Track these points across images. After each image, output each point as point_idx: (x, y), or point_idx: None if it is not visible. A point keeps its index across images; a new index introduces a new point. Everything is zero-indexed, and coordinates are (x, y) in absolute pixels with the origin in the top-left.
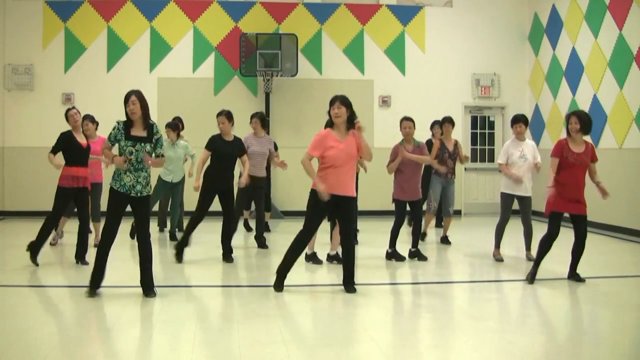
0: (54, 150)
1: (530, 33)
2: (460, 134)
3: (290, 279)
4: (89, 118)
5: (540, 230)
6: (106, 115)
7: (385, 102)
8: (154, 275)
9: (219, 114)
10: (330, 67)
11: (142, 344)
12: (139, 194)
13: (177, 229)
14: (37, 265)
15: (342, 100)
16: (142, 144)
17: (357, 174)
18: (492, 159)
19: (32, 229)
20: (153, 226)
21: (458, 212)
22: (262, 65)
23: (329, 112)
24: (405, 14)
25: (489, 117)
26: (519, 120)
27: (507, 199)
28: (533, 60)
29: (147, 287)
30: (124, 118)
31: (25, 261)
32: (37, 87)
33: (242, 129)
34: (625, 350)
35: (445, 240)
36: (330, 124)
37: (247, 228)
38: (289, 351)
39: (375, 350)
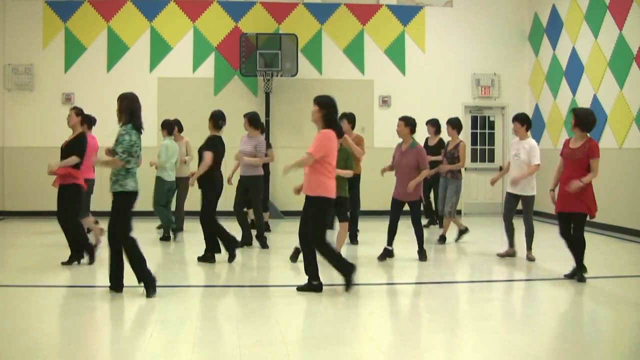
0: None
1: (530, 33)
2: (461, 134)
3: (291, 278)
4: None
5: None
6: (106, 115)
7: (385, 102)
8: (154, 275)
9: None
10: (330, 67)
11: (142, 344)
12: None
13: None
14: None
15: (316, 99)
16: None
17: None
18: (492, 159)
19: (32, 229)
20: (151, 226)
21: (458, 212)
22: (262, 65)
23: None
24: (405, 14)
25: (489, 117)
26: (513, 119)
27: (506, 195)
28: (533, 60)
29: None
30: None
31: (25, 261)
32: (37, 87)
33: (242, 130)
34: (625, 350)
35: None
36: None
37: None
38: (289, 351)
39: (375, 350)
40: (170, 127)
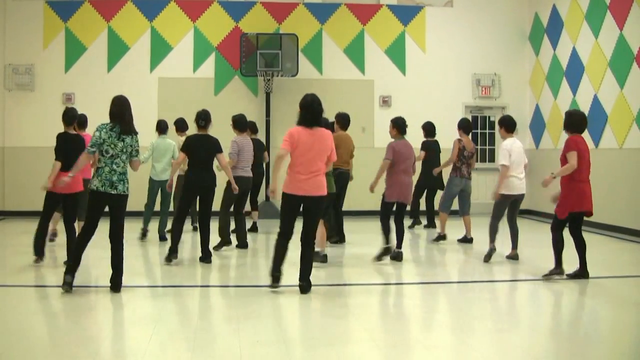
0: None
1: (530, 33)
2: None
3: (290, 279)
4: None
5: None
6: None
7: (385, 102)
8: (155, 275)
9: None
10: (330, 67)
11: (141, 344)
12: None
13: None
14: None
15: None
16: None
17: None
18: (492, 159)
19: (32, 229)
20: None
21: (456, 212)
22: (262, 65)
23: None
24: (405, 14)
25: (489, 117)
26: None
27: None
28: (533, 60)
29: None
30: None
31: (25, 261)
32: (37, 87)
33: None
34: (625, 349)
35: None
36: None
37: (253, 229)
38: (289, 351)
39: (375, 350)
40: (162, 127)
